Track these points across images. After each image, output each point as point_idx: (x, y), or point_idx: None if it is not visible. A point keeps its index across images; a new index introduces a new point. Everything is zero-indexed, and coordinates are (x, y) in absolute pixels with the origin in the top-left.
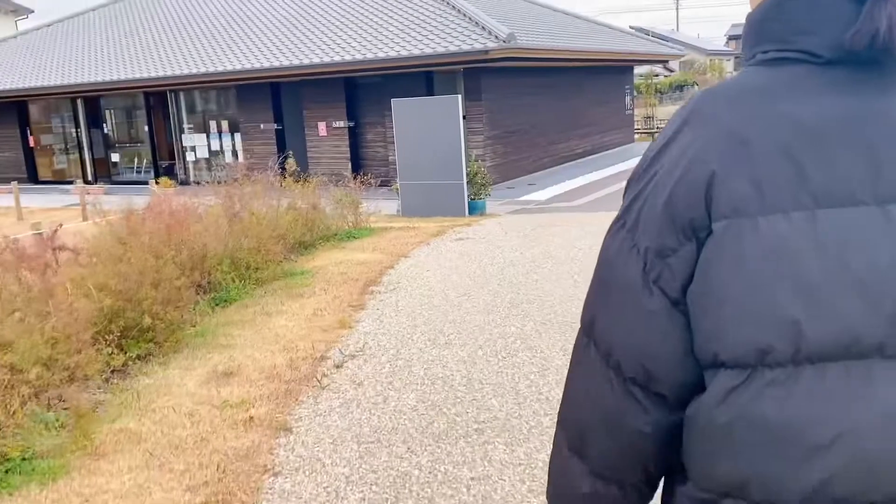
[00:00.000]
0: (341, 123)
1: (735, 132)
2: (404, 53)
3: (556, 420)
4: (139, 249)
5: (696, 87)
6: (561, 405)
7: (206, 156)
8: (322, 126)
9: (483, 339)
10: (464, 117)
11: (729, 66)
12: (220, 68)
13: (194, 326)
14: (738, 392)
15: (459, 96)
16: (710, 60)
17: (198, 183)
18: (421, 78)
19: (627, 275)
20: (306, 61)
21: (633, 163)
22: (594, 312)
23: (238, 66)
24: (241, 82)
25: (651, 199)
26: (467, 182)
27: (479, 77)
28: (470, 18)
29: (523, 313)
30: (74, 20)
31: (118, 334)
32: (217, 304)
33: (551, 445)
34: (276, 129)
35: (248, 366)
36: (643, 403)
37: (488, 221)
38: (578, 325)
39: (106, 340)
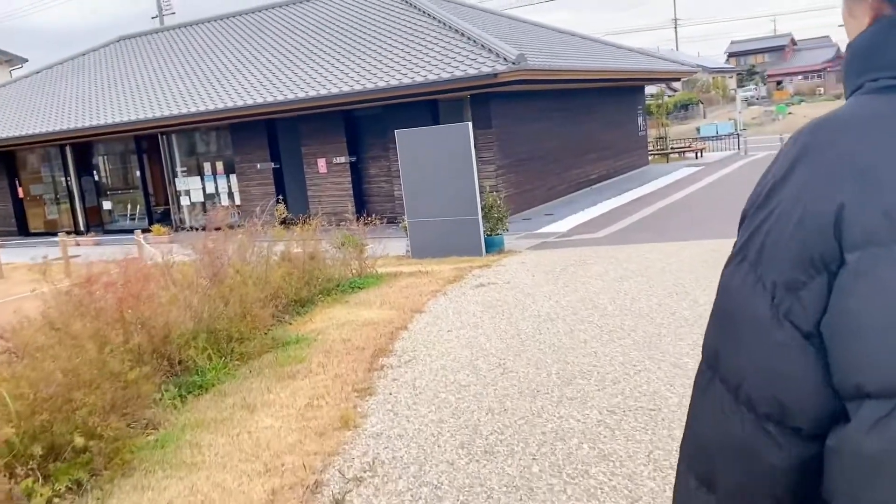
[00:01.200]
0: (342, 159)
1: (859, 162)
2: (406, 81)
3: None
4: (78, 336)
5: (700, 105)
6: (684, 437)
7: (202, 199)
8: (322, 163)
9: (535, 444)
10: None
11: (731, 83)
12: (212, 106)
13: (156, 429)
14: (886, 422)
15: (469, 124)
16: (713, 78)
17: (195, 228)
18: (425, 107)
19: (754, 309)
20: (301, 95)
21: (652, 187)
22: (717, 346)
23: (230, 104)
24: (234, 120)
25: (773, 233)
26: (482, 216)
27: (488, 103)
28: (475, 41)
29: (581, 395)
30: (62, 66)
31: (41, 458)
32: (189, 392)
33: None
34: (274, 169)
35: None
36: (778, 439)
37: (509, 260)
38: (656, 409)
39: (26, 467)
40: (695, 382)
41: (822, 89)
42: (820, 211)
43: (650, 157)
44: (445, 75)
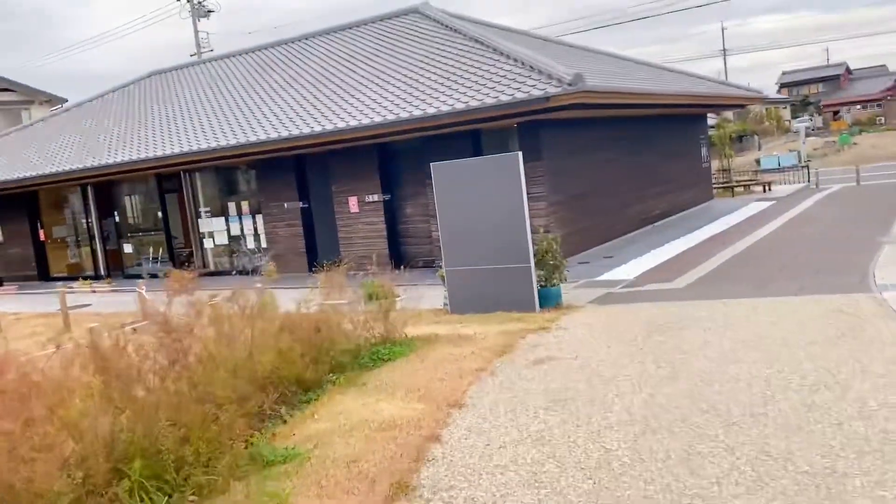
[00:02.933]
0: (375, 197)
1: None
2: (445, 109)
3: None
4: None
5: (756, 136)
6: None
7: (226, 242)
8: (353, 201)
9: None
10: None
11: (786, 113)
12: (235, 141)
13: None
14: None
15: (520, 153)
16: (767, 109)
17: (221, 273)
18: (467, 139)
19: None
20: (330, 127)
21: (722, 224)
22: None
23: (254, 138)
24: (260, 156)
25: None
26: (535, 263)
27: (538, 132)
28: (523, 63)
29: None
30: (91, 104)
31: None
32: None
33: None
34: (302, 208)
35: None
36: None
37: (571, 320)
38: None
39: None
40: None
41: (882, 119)
42: None
43: (714, 192)
44: (490, 101)
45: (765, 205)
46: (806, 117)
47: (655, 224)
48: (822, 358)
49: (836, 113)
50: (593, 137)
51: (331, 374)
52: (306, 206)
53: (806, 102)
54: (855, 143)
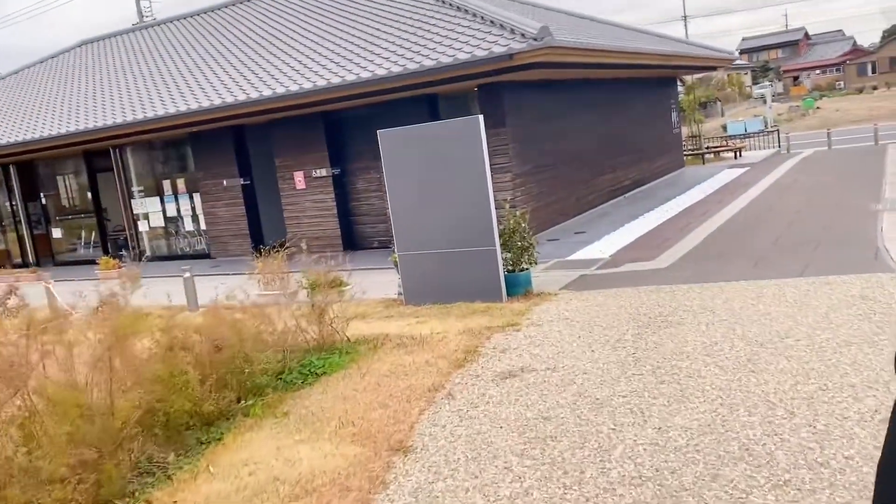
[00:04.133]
0: (323, 171)
1: None
2: (396, 70)
3: None
4: None
5: (718, 103)
6: (881, 491)
7: (162, 224)
8: (299, 176)
9: None
10: None
11: (747, 79)
12: (166, 111)
13: None
14: None
15: (481, 117)
16: (728, 75)
17: (160, 258)
18: (422, 105)
19: None
20: (268, 93)
21: (698, 193)
22: None
23: (184, 108)
24: (194, 128)
25: None
26: (502, 245)
27: (501, 96)
28: (483, 18)
29: None
30: (8, 80)
31: None
32: None
33: None
34: (243, 185)
35: None
36: None
37: (545, 312)
38: None
39: None
40: (890, 429)
41: (841, 83)
42: None
43: (684, 159)
44: (446, 60)
45: (738, 171)
46: (767, 83)
47: (627, 195)
48: (869, 367)
49: (795, 78)
50: (561, 102)
51: (244, 401)
52: (248, 182)
53: (766, 68)
54: (818, 108)
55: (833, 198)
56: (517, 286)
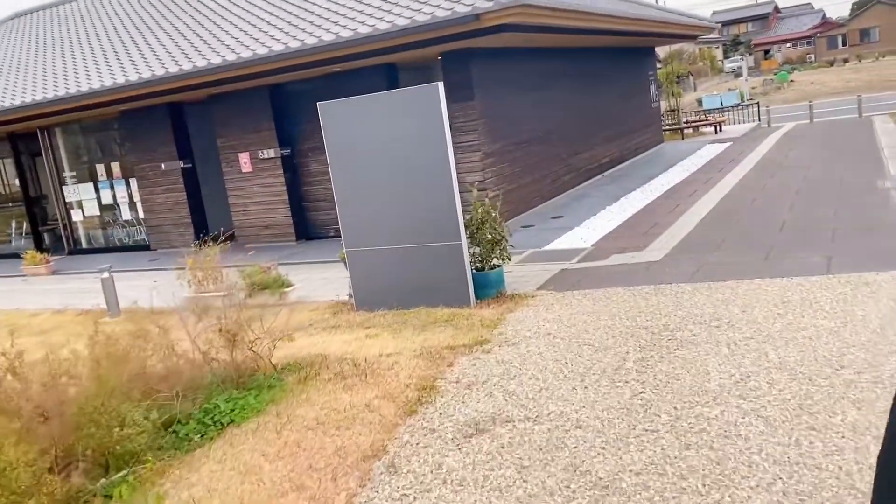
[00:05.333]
0: (271, 152)
1: None
2: (347, 35)
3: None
4: None
5: (691, 77)
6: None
7: (98, 212)
8: (244, 158)
9: None
10: None
11: (718, 53)
12: (90, 87)
13: None
14: None
15: (440, 84)
16: (700, 49)
17: (96, 250)
18: (380, 75)
19: None
20: (202, 64)
21: (682, 171)
22: None
23: (113, 82)
24: (127, 104)
25: None
26: (469, 238)
27: (468, 65)
28: None
29: None
30: None
31: None
32: None
33: None
34: (184, 169)
35: None
36: None
37: (521, 323)
38: None
39: None
40: (889, 426)
41: (812, 56)
42: None
43: (665, 134)
44: (403, 22)
45: (721, 147)
46: (738, 57)
47: (606, 173)
48: None
49: (766, 52)
50: (535, 73)
51: (109, 476)
52: (189, 166)
53: (737, 42)
54: (792, 81)
55: (832, 175)
56: (487, 287)
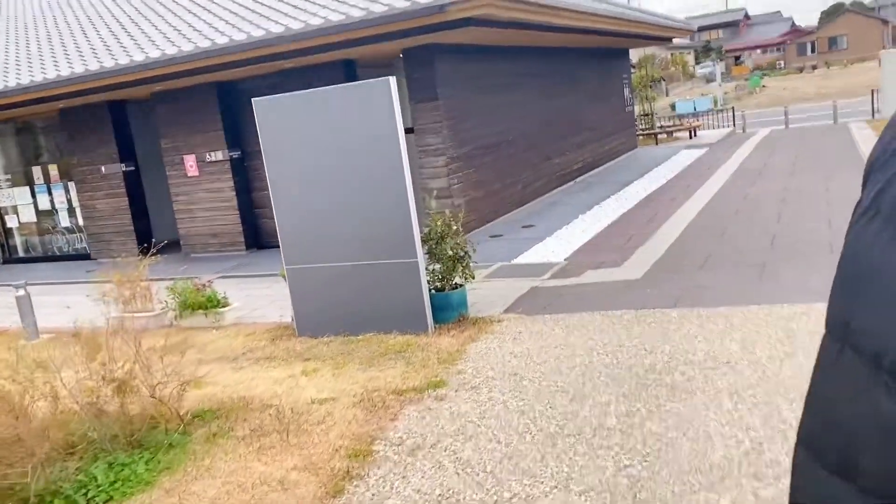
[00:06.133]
0: (219, 155)
1: None
2: (297, 27)
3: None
4: None
5: (663, 82)
6: (805, 425)
7: (34, 219)
8: (190, 161)
9: None
10: (410, 130)
11: (690, 59)
12: (18, 83)
13: None
14: None
15: (392, 79)
16: (672, 55)
17: (34, 259)
18: (337, 72)
19: (894, 267)
20: (139, 58)
21: (658, 178)
22: (847, 314)
23: (39, 78)
24: (63, 102)
25: None
26: (427, 254)
27: (432, 62)
28: None
29: None
30: None
31: None
32: None
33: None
34: (126, 172)
35: None
36: None
37: (484, 359)
38: None
39: None
40: (817, 361)
41: (782, 62)
42: None
43: (639, 138)
44: (358, 14)
45: (697, 152)
46: (710, 63)
47: (578, 179)
48: None
49: (737, 58)
50: (505, 72)
51: None
52: (132, 169)
53: (708, 48)
54: (764, 86)
55: (816, 183)
56: (448, 310)
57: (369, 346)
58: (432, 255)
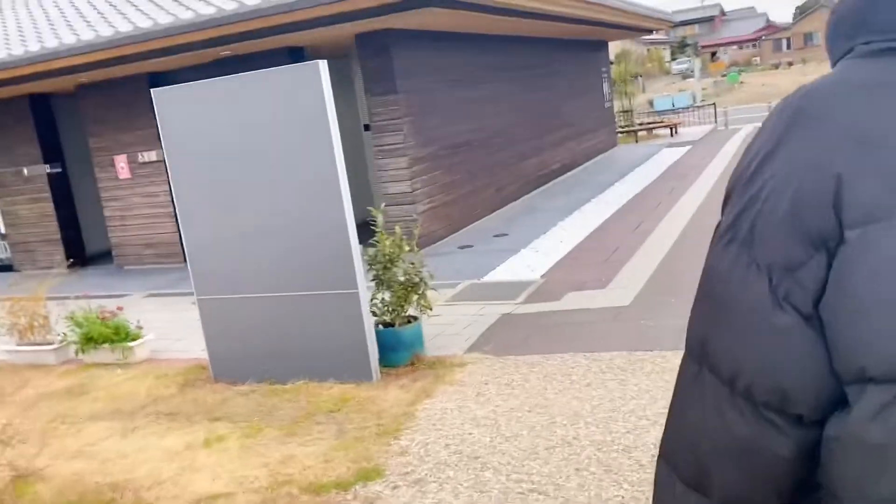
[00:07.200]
0: (153, 155)
1: (856, 131)
2: (230, 7)
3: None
4: None
5: (640, 78)
6: (666, 440)
7: None
8: (121, 162)
9: None
10: (366, 127)
11: (666, 54)
12: None
13: None
14: (891, 408)
15: (321, 63)
16: (648, 50)
17: None
18: (282, 60)
19: (750, 293)
20: (52, 45)
21: (641, 179)
22: (707, 337)
23: None
24: None
25: (766, 210)
26: (374, 280)
27: (388, 50)
28: None
29: None
30: None
31: None
32: None
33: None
34: (51, 174)
35: None
36: (781, 427)
37: (436, 429)
38: None
39: None
40: (677, 381)
41: (758, 59)
42: (817, 186)
43: (618, 136)
44: None
45: (680, 151)
46: (686, 58)
47: (556, 181)
48: None
49: (713, 54)
50: (474, 63)
51: None
52: (58, 171)
53: (684, 44)
54: (742, 82)
55: None
56: (399, 349)
57: (296, 399)
58: (380, 283)
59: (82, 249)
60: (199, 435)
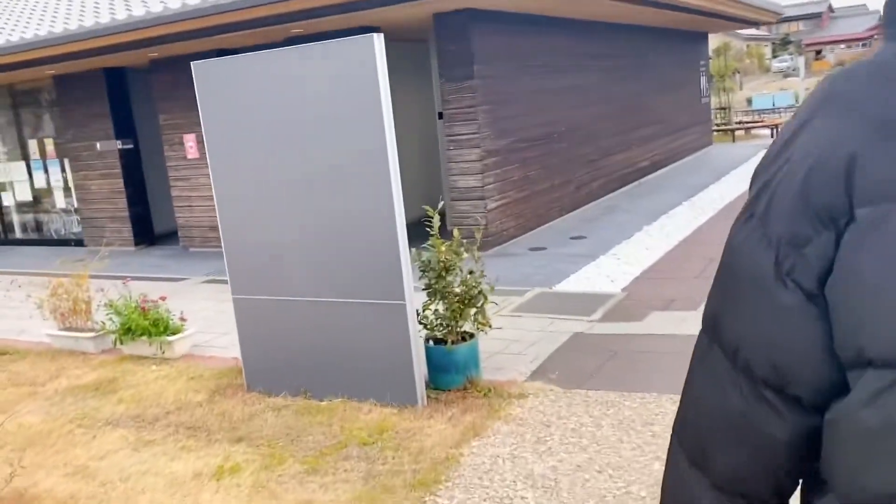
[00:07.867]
0: None
1: (879, 116)
2: None
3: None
4: None
5: (738, 74)
6: (678, 414)
7: (30, 197)
8: (190, 140)
9: None
10: (440, 115)
11: (767, 51)
12: (18, 38)
13: None
14: (888, 394)
15: (377, 37)
16: (748, 46)
17: (29, 242)
18: None
19: (757, 267)
20: (139, 13)
21: (738, 182)
22: (718, 310)
23: (31, 36)
24: (54, 66)
25: (782, 187)
26: (426, 291)
27: (467, 32)
28: None
29: None
30: None
31: None
32: None
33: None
34: (123, 150)
35: None
36: (777, 407)
37: (482, 485)
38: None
39: None
40: (693, 354)
41: None
42: (831, 164)
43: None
44: None
45: None
46: (787, 56)
47: (644, 180)
48: None
49: (818, 52)
50: (559, 50)
51: None
52: (130, 147)
53: (786, 41)
54: None
55: None
56: (450, 371)
57: (329, 422)
58: (433, 293)
59: (150, 228)
60: (214, 461)
